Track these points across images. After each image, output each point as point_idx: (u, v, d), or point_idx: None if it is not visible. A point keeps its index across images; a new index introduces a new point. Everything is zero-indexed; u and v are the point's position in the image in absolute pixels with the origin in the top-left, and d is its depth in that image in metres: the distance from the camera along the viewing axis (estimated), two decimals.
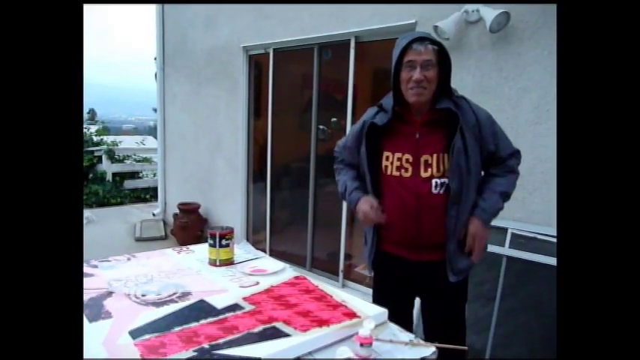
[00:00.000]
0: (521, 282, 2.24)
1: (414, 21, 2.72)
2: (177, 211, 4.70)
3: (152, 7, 5.27)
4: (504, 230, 2.35)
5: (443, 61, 1.48)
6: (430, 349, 1.06)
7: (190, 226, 4.57)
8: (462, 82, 2.52)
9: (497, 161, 1.56)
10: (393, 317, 1.21)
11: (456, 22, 2.43)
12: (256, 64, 4.11)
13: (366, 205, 1.52)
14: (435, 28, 2.49)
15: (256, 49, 3.97)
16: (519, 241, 2.28)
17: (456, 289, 1.57)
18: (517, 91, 2.34)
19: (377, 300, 1.56)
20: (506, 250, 2.30)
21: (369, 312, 1.17)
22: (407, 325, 1.62)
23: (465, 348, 1.09)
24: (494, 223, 2.39)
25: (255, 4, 3.87)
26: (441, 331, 1.51)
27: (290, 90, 3.94)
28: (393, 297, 1.56)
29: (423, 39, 1.46)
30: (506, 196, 1.58)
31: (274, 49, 3.78)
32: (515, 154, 1.59)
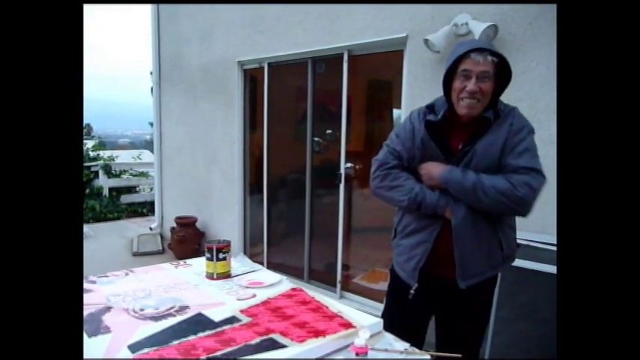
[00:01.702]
0: (516, 290, 2.26)
1: (404, 35, 2.78)
2: (175, 225, 4.70)
3: (148, 22, 5.33)
4: None
5: (500, 74, 1.42)
6: (425, 357, 1.08)
7: (188, 240, 4.58)
8: None
9: (506, 168, 1.42)
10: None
11: (445, 35, 2.48)
12: (251, 77, 4.17)
13: None
14: (426, 41, 2.54)
15: (251, 63, 4.03)
16: (518, 250, 2.30)
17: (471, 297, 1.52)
18: (509, 101, 2.38)
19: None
20: None
21: (365, 322, 1.19)
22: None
23: (459, 356, 1.10)
24: None
25: (250, 19, 3.93)
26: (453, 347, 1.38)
27: (285, 103, 3.99)
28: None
29: (482, 49, 1.39)
30: (492, 189, 1.38)
31: (269, 64, 3.84)
32: (530, 172, 1.39)
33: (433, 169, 1.48)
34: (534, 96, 2.29)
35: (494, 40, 2.36)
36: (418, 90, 2.71)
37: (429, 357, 1.09)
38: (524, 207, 1.40)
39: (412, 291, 1.54)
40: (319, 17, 3.32)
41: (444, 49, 2.54)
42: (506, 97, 2.37)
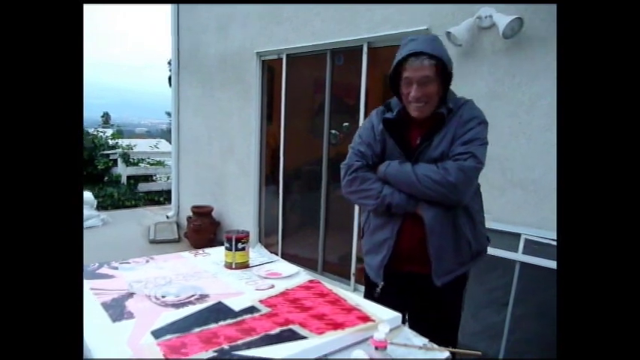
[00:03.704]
0: (535, 288, 2.24)
1: (425, 27, 2.74)
2: (191, 214, 4.76)
3: (167, 11, 5.37)
4: (518, 236, 2.35)
5: (444, 73, 1.43)
6: (444, 354, 1.08)
7: (203, 229, 4.63)
8: (474, 87, 2.53)
9: (447, 159, 1.43)
10: None
11: (468, 28, 2.44)
12: (269, 68, 4.17)
13: None
14: (448, 34, 2.50)
15: (269, 54, 4.03)
16: (533, 247, 2.28)
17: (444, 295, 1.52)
18: (530, 97, 2.34)
19: None
20: (519, 256, 2.29)
21: (383, 316, 1.19)
22: None
23: (479, 353, 1.10)
24: (508, 228, 2.40)
25: (268, 9, 3.92)
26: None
27: (302, 94, 3.99)
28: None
29: (419, 53, 1.38)
30: (427, 179, 1.39)
31: (287, 55, 3.83)
32: (463, 156, 1.39)
33: (379, 167, 1.52)
34: None
35: (518, 34, 2.32)
36: None
37: (447, 353, 1.08)
38: (457, 193, 1.39)
39: (378, 289, 1.56)
40: (338, 8, 3.30)
41: (466, 43, 2.50)
42: (529, 93, 2.34)
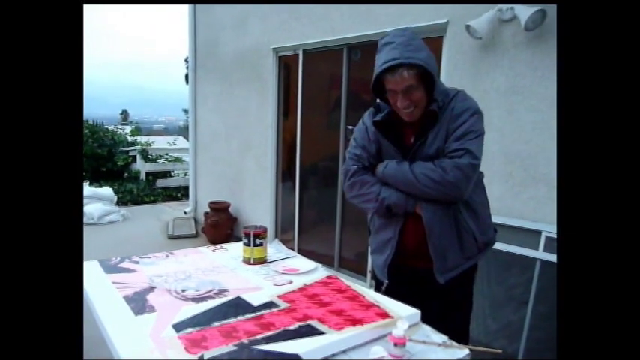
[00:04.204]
0: (555, 285, 2.20)
1: (445, 20, 2.70)
2: (208, 209, 4.81)
3: (183, 10, 5.42)
4: (538, 233, 2.30)
5: (427, 74, 1.38)
6: (464, 351, 1.07)
7: (220, 225, 4.68)
8: (493, 82, 2.49)
9: (443, 154, 1.41)
10: None
11: (489, 20, 2.39)
12: (285, 65, 4.17)
13: None
14: (467, 27, 2.46)
15: (286, 50, 4.03)
16: (554, 245, 2.23)
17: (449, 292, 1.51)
18: (553, 91, 2.28)
19: None
20: (540, 254, 2.25)
21: (402, 312, 1.19)
22: None
23: (499, 351, 1.08)
24: (529, 225, 2.36)
25: (285, 5, 3.92)
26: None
27: (319, 90, 3.98)
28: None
29: (395, 68, 1.33)
30: (424, 178, 1.38)
31: (303, 50, 3.82)
32: (459, 152, 1.37)
33: (377, 168, 1.51)
34: None
35: (540, 26, 2.26)
36: (458, 78, 2.63)
37: (467, 351, 1.07)
38: (456, 191, 1.39)
39: (383, 287, 1.57)
40: (356, 3, 3.27)
41: (486, 36, 2.46)
42: (552, 87, 2.28)
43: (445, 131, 1.42)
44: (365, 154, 1.56)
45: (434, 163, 1.41)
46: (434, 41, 2.82)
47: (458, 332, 1.55)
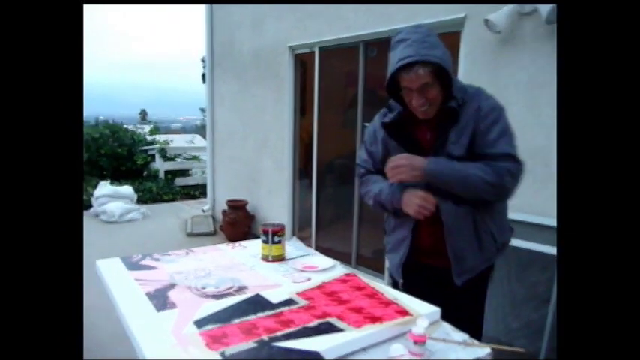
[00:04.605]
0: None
1: (463, 15, 2.66)
2: (226, 207, 4.86)
3: (200, 9, 5.47)
4: None
5: (442, 71, 1.34)
6: (485, 350, 1.06)
7: (238, 223, 4.72)
8: (513, 77, 2.44)
9: (485, 157, 1.37)
10: None
11: (508, 14, 2.35)
12: (301, 62, 4.17)
13: (416, 196, 1.40)
14: (486, 21, 2.42)
15: (302, 48, 4.03)
16: None
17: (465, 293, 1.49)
18: None
19: None
20: None
21: (422, 310, 1.18)
22: None
23: (522, 350, 1.06)
24: (550, 222, 2.31)
25: (300, 5, 3.92)
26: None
27: (335, 88, 3.97)
28: None
29: (410, 65, 1.30)
30: (479, 180, 1.33)
31: (319, 48, 3.82)
32: (509, 159, 1.35)
33: (415, 161, 1.37)
34: None
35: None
36: (476, 74, 2.59)
37: (488, 349, 1.06)
38: (508, 196, 1.43)
39: (399, 287, 1.55)
40: (371, 3, 3.25)
41: (505, 29, 2.41)
42: None
43: (471, 130, 1.38)
44: (370, 159, 1.61)
45: (485, 164, 1.35)
46: (451, 36, 2.78)
47: (471, 331, 1.55)
